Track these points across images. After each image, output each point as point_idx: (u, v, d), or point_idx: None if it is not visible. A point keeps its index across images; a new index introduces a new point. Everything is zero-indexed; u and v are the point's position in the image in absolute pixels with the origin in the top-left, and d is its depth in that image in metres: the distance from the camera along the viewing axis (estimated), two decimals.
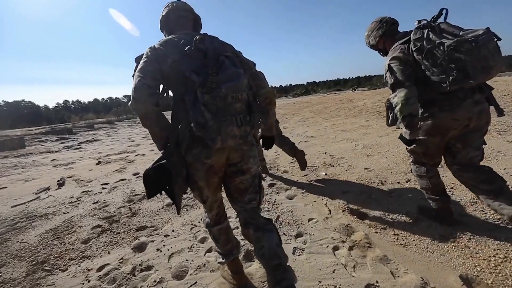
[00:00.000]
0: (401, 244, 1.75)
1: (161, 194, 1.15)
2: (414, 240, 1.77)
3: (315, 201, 2.50)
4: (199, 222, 2.33)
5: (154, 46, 1.20)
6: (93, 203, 3.02)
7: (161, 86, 1.22)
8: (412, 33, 1.56)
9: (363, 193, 2.50)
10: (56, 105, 77.24)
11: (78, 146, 8.33)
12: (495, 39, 1.36)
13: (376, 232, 1.91)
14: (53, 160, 6.11)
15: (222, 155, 1.18)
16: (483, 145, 1.64)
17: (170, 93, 1.23)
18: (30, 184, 4.12)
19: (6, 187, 4.05)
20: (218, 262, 1.60)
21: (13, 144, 8.40)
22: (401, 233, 1.87)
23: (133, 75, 1.16)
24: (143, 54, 1.20)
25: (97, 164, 5.20)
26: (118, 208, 2.82)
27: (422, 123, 1.64)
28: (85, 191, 3.49)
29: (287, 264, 1.24)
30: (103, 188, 3.56)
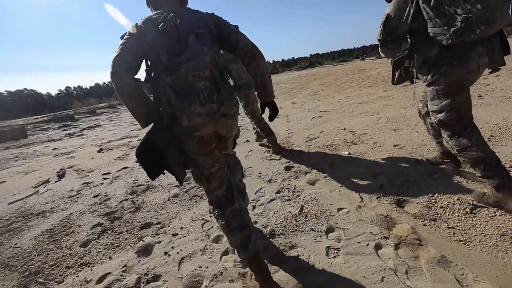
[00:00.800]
0: (460, 241, 1.42)
1: (164, 174, 1.22)
2: (476, 235, 1.44)
3: (341, 186, 2.17)
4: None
5: (137, 24, 1.21)
6: (94, 197, 2.77)
7: (144, 61, 1.23)
8: None
9: (399, 175, 2.15)
10: (59, 92, 76.81)
11: (80, 133, 8.08)
12: None
13: (425, 225, 1.58)
14: (54, 149, 5.88)
15: (210, 127, 1.21)
16: None
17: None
18: (30, 177, 3.90)
19: (5, 181, 3.83)
20: (241, 262, 1.38)
21: (15, 134, 8.20)
22: (457, 225, 1.53)
23: (115, 51, 1.17)
24: (127, 31, 1.21)
25: (98, 151, 4.94)
26: (120, 201, 2.55)
27: (436, 87, 1.56)
28: (86, 183, 3.24)
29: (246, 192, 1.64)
30: (105, 179, 3.29)
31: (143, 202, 2.46)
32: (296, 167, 2.68)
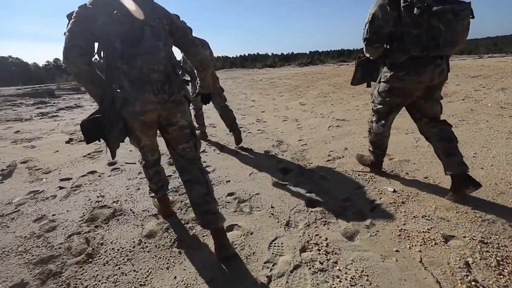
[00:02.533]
0: None
1: (99, 141, 1.38)
2: None
3: (397, 252, 1.45)
4: (198, 284, 1.29)
5: (85, 4, 1.21)
6: (35, 221, 1.96)
7: (96, 44, 1.27)
8: None
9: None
10: (47, 64, 72.79)
11: (55, 114, 7.06)
12: (470, 16, 1.46)
13: None
14: (16, 132, 4.92)
15: (154, 113, 1.34)
16: (441, 99, 1.81)
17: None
18: None
19: None
20: (151, 196, 2.01)
21: None
22: None
23: (64, 33, 1.19)
24: (74, 11, 1.20)
25: (67, 142, 4.05)
26: (69, 236, 1.75)
27: (388, 85, 1.79)
28: (34, 192, 2.41)
29: (217, 208, 1.49)
30: (61, 188, 2.47)
31: (102, 243, 1.67)
32: (322, 204, 1.95)
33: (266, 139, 3.60)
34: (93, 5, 1.19)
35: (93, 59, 1.29)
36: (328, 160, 2.75)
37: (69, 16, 1.21)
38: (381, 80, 1.85)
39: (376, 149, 2.14)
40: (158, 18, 1.31)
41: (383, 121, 1.97)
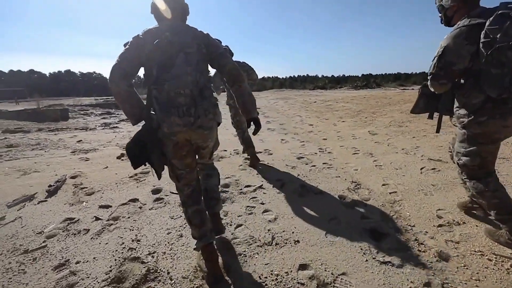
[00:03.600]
0: None
1: (145, 165, 1.43)
2: None
3: None
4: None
5: (138, 35, 1.36)
6: (55, 268, 1.56)
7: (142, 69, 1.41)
8: (491, 19, 1.29)
9: None
10: None
11: (116, 125, 7.44)
12: None
13: None
14: (78, 141, 5.10)
15: (185, 134, 1.38)
16: None
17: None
18: (23, 182, 2.94)
19: None
20: (194, 249, 1.55)
21: (56, 116, 7.93)
22: None
23: (117, 58, 1.34)
24: (130, 41, 1.35)
25: (118, 157, 3.91)
26: None
27: (469, 132, 1.54)
28: (69, 220, 2.09)
29: (220, 196, 1.86)
30: (97, 219, 2.11)
31: None
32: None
33: (336, 178, 2.86)
34: (144, 35, 1.34)
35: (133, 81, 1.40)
36: (441, 226, 1.89)
37: (125, 45, 1.36)
38: (458, 128, 1.63)
39: (498, 214, 1.54)
40: (196, 44, 1.40)
41: (478, 175, 1.59)
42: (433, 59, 1.53)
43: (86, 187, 2.77)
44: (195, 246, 1.51)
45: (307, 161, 3.50)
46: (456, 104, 1.62)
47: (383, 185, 2.63)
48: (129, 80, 1.35)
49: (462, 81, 1.54)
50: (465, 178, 1.64)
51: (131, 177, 3.08)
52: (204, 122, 1.38)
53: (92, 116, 9.20)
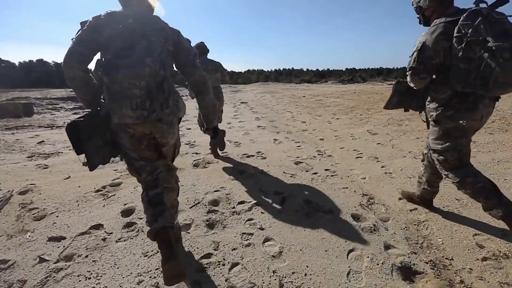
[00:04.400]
0: None
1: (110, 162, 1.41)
2: None
3: None
4: None
5: (99, 15, 1.26)
6: None
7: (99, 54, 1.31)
8: (464, 15, 1.36)
9: None
10: None
11: None
12: None
13: None
14: (40, 143, 4.38)
15: (142, 127, 1.32)
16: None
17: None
18: None
19: None
20: (148, 232, 1.33)
21: (17, 111, 6.97)
22: None
23: (72, 39, 1.24)
24: (88, 20, 1.25)
25: (84, 164, 3.29)
26: None
27: (442, 127, 1.59)
28: (4, 263, 1.54)
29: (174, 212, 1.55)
30: (41, 261, 1.57)
31: None
32: None
33: (344, 190, 2.45)
34: (106, 17, 1.26)
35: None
36: (486, 260, 1.53)
37: (82, 24, 1.26)
38: (431, 121, 1.66)
39: (489, 198, 1.51)
40: (163, 37, 1.34)
41: (459, 169, 1.62)
42: (412, 54, 1.55)
43: (37, 208, 2.19)
44: (148, 231, 1.32)
45: (306, 167, 3.07)
46: (428, 99, 1.67)
47: (400, 199, 2.25)
48: (86, 65, 1.28)
49: (433, 76, 1.58)
50: (445, 173, 1.66)
51: (98, 191, 2.52)
52: (164, 114, 1.32)
53: (61, 111, 8.26)
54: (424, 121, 1.82)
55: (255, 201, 2.24)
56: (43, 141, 4.51)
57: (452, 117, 1.51)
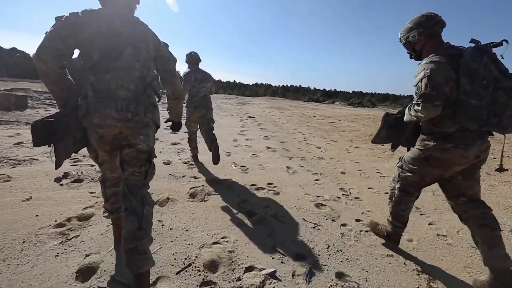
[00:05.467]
0: None
1: (49, 146, 1.26)
2: None
3: None
4: None
5: (77, 12, 1.23)
6: None
7: (77, 51, 1.29)
8: (468, 51, 1.37)
9: None
10: None
11: None
12: None
13: None
14: (17, 144, 3.77)
15: (113, 129, 1.29)
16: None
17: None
18: None
19: None
20: (104, 216, 1.65)
21: (8, 103, 6.42)
22: None
23: (45, 32, 1.20)
24: (64, 15, 1.22)
25: (57, 180, 2.67)
26: None
27: (425, 153, 1.55)
28: None
29: (147, 247, 1.27)
30: None
31: None
32: None
33: (389, 260, 1.80)
34: (84, 15, 1.23)
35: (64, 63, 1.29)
36: None
37: (57, 19, 1.22)
38: (417, 147, 1.61)
39: (395, 220, 1.83)
40: (145, 42, 1.36)
41: (409, 190, 1.71)
42: (419, 82, 1.44)
43: None
44: (105, 215, 1.56)
45: (331, 213, 2.42)
46: (423, 131, 1.60)
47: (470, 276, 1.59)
48: (61, 61, 1.25)
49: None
50: (397, 187, 1.76)
51: (59, 226, 1.89)
52: (143, 119, 1.34)
53: (56, 108, 7.76)
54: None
55: (270, 270, 1.59)
56: (22, 142, 3.91)
57: (447, 150, 1.46)
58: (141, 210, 1.29)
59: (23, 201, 2.20)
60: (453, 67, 1.36)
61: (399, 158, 1.81)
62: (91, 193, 2.46)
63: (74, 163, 3.22)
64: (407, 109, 1.62)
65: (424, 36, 1.52)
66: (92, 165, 3.17)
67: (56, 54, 1.20)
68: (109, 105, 1.23)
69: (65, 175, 2.79)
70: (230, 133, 6.20)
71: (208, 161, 3.74)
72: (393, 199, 1.83)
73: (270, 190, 2.88)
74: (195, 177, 3.11)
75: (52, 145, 1.25)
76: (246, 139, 5.63)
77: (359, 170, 3.87)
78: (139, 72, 1.30)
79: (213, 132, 3.37)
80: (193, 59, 3.35)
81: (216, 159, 3.07)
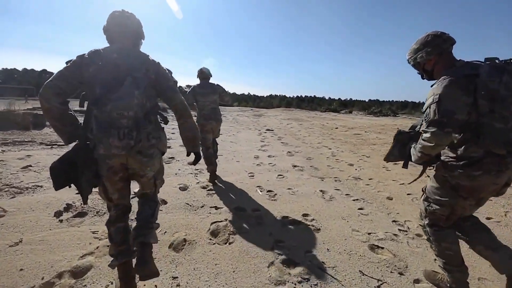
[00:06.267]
0: None
1: (70, 186, 1.33)
2: None
3: None
4: None
5: (83, 54, 1.32)
6: None
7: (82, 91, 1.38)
8: (487, 70, 1.25)
9: None
10: None
11: None
12: None
13: None
14: (24, 168, 3.49)
15: (121, 159, 1.33)
16: None
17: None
18: None
19: None
20: (109, 265, 1.44)
21: (26, 122, 6.37)
22: None
23: (53, 73, 1.32)
24: (73, 59, 1.33)
25: (57, 214, 2.29)
26: None
27: (453, 182, 1.38)
28: None
29: (152, 228, 1.46)
30: None
31: None
32: None
33: None
34: (90, 55, 1.30)
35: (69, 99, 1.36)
36: None
37: (67, 63, 1.32)
38: (442, 174, 1.44)
39: (447, 264, 1.50)
40: (145, 68, 1.38)
41: (441, 225, 1.49)
42: (427, 108, 1.34)
43: None
44: (110, 263, 1.44)
45: (395, 262, 1.84)
46: (444, 156, 1.43)
47: None
48: (64, 98, 1.31)
49: (456, 135, 1.36)
50: (426, 223, 1.56)
51: (44, 285, 1.44)
52: (145, 147, 1.35)
53: None
54: (428, 176, 1.61)
55: None
56: (30, 165, 3.63)
57: (476, 177, 1.30)
58: (153, 205, 1.54)
59: (10, 246, 1.81)
60: (469, 89, 1.24)
61: (422, 190, 1.64)
62: (93, 232, 2.04)
63: None
64: (412, 149, 1.50)
65: (433, 56, 1.42)
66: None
67: (58, 92, 1.27)
68: (112, 134, 1.26)
69: (68, 207, 2.41)
70: (250, 149, 5.74)
71: (228, 185, 3.27)
72: (434, 249, 1.55)
73: (308, 224, 2.34)
74: (216, 207, 2.63)
75: (73, 183, 1.32)
76: (269, 156, 5.13)
77: (409, 194, 3.23)
78: (137, 99, 1.31)
79: (215, 141, 3.63)
80: (203, 74, 3.48)
81: (213, 178, 3.42)
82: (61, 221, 2.19)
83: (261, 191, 3.17)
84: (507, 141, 1.23)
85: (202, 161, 3.86)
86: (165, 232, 2.13)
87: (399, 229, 2.34)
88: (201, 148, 3.33)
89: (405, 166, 1.72)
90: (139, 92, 1.32)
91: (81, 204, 2.52)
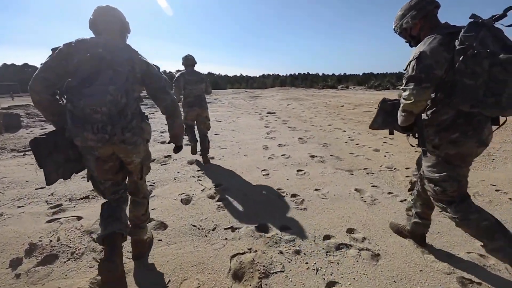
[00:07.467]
0: None
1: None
2: None
3: None
4: None
5: (70, 42, 1.32)
6: None
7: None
8: (466, 26, 1.21)
9: None
10: None
11: None
12: None
13: None
14: (15, 166, 2.79)
15: (107, 149, 1.35)
16: None
17: None
18: None
19: None
20: (95, 240, 1.61)
21: None
22: None
23: (40, 64, 1.31)
24: (59, 47, 1.32)
25: (13, 266, 1.63)
26: None
27: (442, 154, 1.38)
28: None
29: (145, 227, 1.68)
30: None
31: None
32: None
33: None
34: (76, 44, 1.30)
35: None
36: None
37: (53, 50, 1.32)
38: (429, 150, 1.42)
39: (497, 240, 1.28)
40: (130, 66, 1.37)
41: (457, 201, 1.39)
42: (408, 65, 1.34)
43: None
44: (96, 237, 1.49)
45: None
46: (424, 122, 1.41)
47: None
48: (51, 89, 1.33)
49: (432, 95, 1.35)
50: (443, 206, 1.43)
51: None
52: (127, 137, 1.35)
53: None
54: (412, 146, 1.63)
55: None
56: (19, 164, 2.93)
57: (456, 141, 1.31)
58: (145, 202, 1.69)
59: None
60: (449, 46, 1.22)
61: (419, 177, 1.60)
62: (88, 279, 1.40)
63: (54, 214, 2.20)
64: (399, 111, 1.44)
65: (418, 19, 1.40)
66: (79, 218, 2.13)
67: (47, 85, 1.30)
68: (87, 128, 1.26)
69: (32, 249, 1.76)
70: (256, 138, 5.06)
71: (240, 189, 2.61)
72: (466, 229, 1.38)
73: (361, 248, 1.74)
74: (233, 228, 2.00)
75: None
76: (279, 145, 4.48)
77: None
78: (111, 96, 1.27)
79: (207, 136, 3.63)
80: (188, 61, 3.55)
81: (205, 162, 3.54)
82: (17, 276, 1.54)
83: (282, 193, 2.53)
84: (475, 98, 1.17)
85: (202, 161, 3.31)
86: (169, 280, 1.51)
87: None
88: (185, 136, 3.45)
89: (391, 133, 1.75)
90: (115, 88, 1.28)
91: (51, 239, 1.87)
